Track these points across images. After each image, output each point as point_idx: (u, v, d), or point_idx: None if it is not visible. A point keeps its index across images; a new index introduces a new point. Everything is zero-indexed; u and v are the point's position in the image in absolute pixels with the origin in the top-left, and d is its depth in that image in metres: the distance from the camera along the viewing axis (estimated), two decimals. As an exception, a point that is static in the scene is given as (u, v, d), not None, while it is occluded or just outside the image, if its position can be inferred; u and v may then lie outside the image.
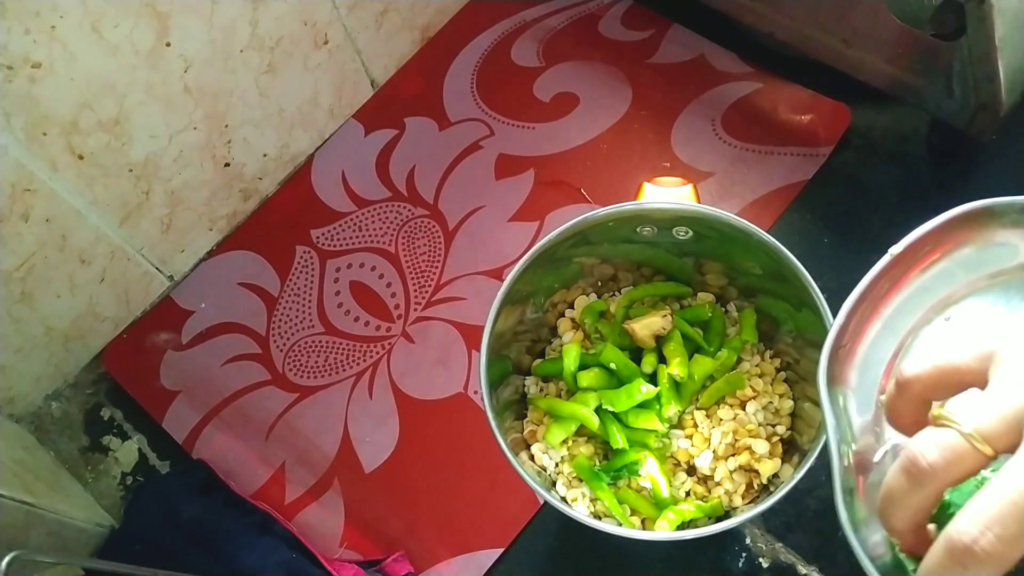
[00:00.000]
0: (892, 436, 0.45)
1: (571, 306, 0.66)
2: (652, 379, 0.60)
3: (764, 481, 0.58)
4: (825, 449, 0.42)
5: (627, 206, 0.58)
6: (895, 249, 0.45)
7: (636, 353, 0.61)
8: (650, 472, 0.57)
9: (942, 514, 0.34)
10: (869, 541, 0.41)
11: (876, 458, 0.44)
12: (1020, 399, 0.33)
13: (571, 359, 0.60)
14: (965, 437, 0.33)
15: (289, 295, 0.82)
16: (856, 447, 0.43)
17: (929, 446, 0.34)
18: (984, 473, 0.34)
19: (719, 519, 0.56)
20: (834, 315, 0.53)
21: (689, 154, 0.82)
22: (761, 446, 0.58)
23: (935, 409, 0.35)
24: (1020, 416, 0.32)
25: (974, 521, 0.31)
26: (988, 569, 0.31)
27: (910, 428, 0.37)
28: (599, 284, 0.67)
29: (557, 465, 0.60)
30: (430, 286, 0.80)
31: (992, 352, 0.35)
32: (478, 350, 0.56)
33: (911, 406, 0.37)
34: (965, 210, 0.45)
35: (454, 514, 0.70)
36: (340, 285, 0.82)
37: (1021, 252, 0.45)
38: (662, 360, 0.60)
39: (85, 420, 0.80)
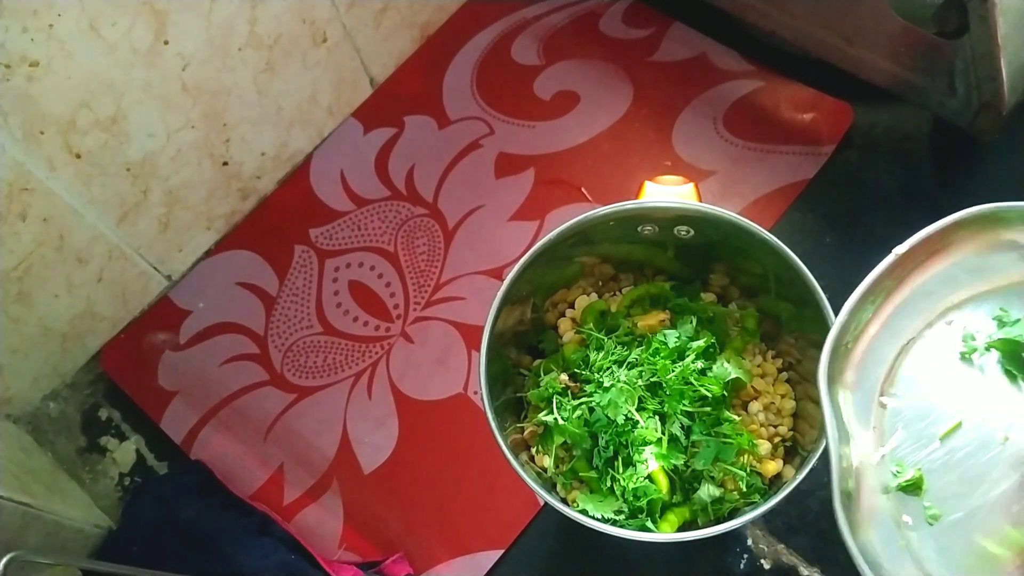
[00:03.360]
0: (892, 439, 0.45)
1: (571, 306, 0.66)
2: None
3: (766, 482, 0.58)
4: (826, 449, 0.42)
5: (628, 205, 0.58)
6: (899, 249, 0.45)
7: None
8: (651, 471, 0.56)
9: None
10: (867, 543, 0.41)
11: (875, 460, 0.44)
12: None
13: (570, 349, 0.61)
14: None
15: (287, 295, 0.81)
16: (855, 448, 0.43)
17: None
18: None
19: (720, 520, 0.56)
20: (836, 315, 0.53)
21: (690, 153, 0.81)
22: (763, 447, 0.58)
23: None
24: None
25: None
26: None
27: None
28: (600, 284, 0.67)
29: (558, 466, 0.60)
30: (429, 286, 0.80)
31: None
32: (478, 350, 0.56)
33: None
34: (971, 213, 0.45)
35: (454, 515, 0.70)
36: (339, 285, 0.81)
37: None
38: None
39: (83, 420, 0.80)
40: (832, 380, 0.45)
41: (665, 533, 0.54)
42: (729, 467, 0.56)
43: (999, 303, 0.46)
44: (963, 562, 0.43)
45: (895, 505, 0.44)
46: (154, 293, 0.83)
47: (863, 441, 0.45)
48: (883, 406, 0.46)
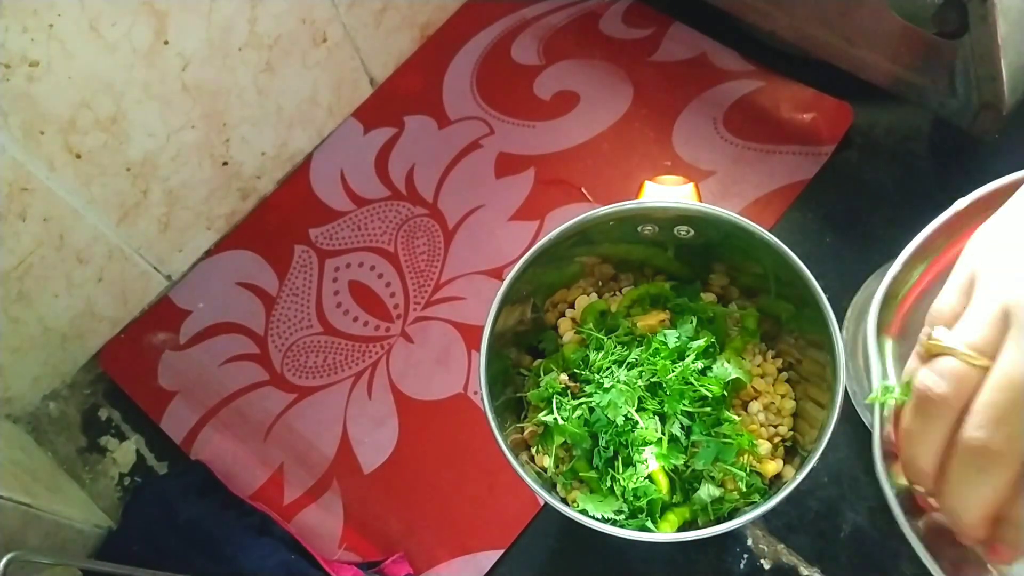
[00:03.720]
0: None
1: (571, 306, 0.66)
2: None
3: (766, 482, 0.58)
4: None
5: (628, 205, 0.58)
6: (961, 203, 0.44)
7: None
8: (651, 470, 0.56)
9: None
10: (903, 488, 0.41)
11: None
12: (997, 300, 0.33)
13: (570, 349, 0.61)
14: (961, 358, 0.33)
15: (287, 295, 0.81)
16: (897, 398, 0.43)
17: (933, 378, 0.34)
18: None
19: (720, 520, 0.56)
20: (837, 314, 0.53)
21: (690, 153, 0.81)
22: (763, 447, 0.58)
23: (923, 338, 0.35)
24: (1003, 314, 0.33)
25: (982, 424, 0.31)
26: (1007, 467, 0.31)
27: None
28: (600, 284, 0.67)
29: (558, 466, 0.60)
30: (429, 286, 0.80)
31: (972, 276, 0.35)
32: (478, 350, 0.56)
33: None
34: None
35: (454, 515, 0.70)
36: (339, 285, 0.81)
37: None
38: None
39: (83, 420, 0.80)
40: (880, 328, 0.44)
41: (665, 533, 0.54)
42: (729, 467, 0.56)
43: None
44: None
45: None
46: (154, 293, 0.83)
47: (903, 391, 0.45)
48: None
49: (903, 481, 0.41)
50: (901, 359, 0.44)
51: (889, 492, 0.40)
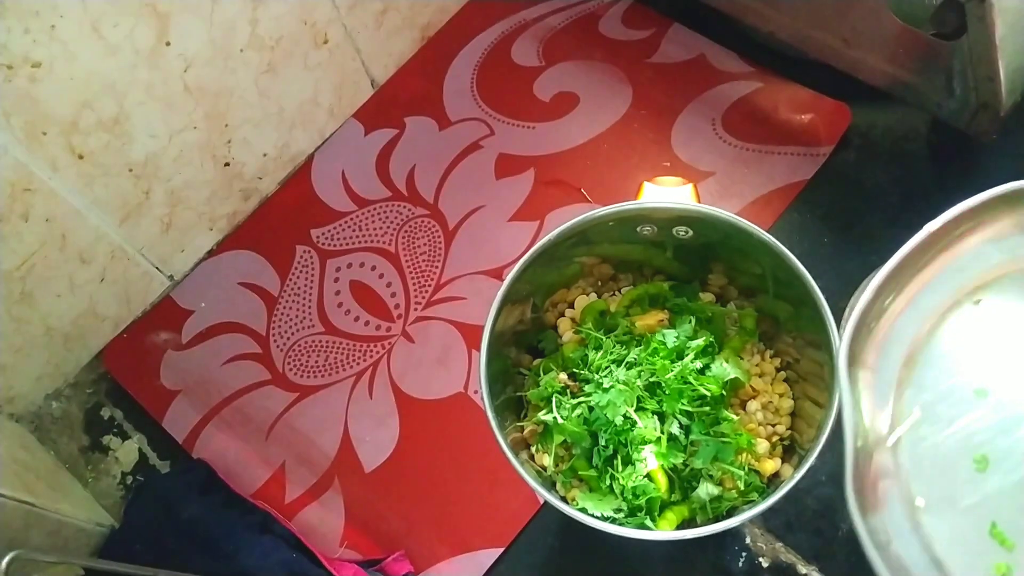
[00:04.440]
0: (910, 420, 0.44)
1: (571, 306, 0.66)
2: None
3: (764, 480, 0.58)
4: (840, 431, 0.41)
5: (627, 206, 0.58)
6: (931, 226, 0.44)
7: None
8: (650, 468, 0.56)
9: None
10: (876, 525, 0.41)
11: (890, 442, 0.43)
12: None
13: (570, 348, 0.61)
14: None
15: (289, 295, 0.82)
16: (870, 429, 0.42)
17: None
18: None
19: (719, 518, 0.56)
20: (835, 314, 0.53)
21: (689, 154, 0.82)
22: (761, 445, 0.58)
23: None
24: None
25: None
26: None
27: None
28: (599, 284, 0.67)
29: (557, 464, 0.60)
30: (430, 286, 0.80)
31: None
32: (478, 350, 0.56)
33: None
34: (1007, 190, 0.43)
35: (454, 513, 0.70)
36: (340, 285, 0.82)
37: None
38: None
39: (85, 420, 0.80)
40: (852, 360, 0.44)
41: (664, 531, 0.55)
42: (727, 466, 0.56)
43: None
44: (976, 547, 0.42)
45: (909, 487, 0.43)
46: (156, 293, 0.83)
47: (879, 422, 0.44)
48: (902, 387, 0.45)
49: (875, 517, 0.41)
50: (875, 389, 0.43)
51: (861, 527, 0.40)
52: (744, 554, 0.65)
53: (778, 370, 0.62)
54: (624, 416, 0.56)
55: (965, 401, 0.44)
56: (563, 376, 0.60)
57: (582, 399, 0.58)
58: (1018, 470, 0.43)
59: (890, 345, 0.45)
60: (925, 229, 0.44)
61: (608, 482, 0.57)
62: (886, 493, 0.42)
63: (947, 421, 0.44)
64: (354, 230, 0.84)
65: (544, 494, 0.53)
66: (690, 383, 0.57)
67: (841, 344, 0.43)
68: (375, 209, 0.85)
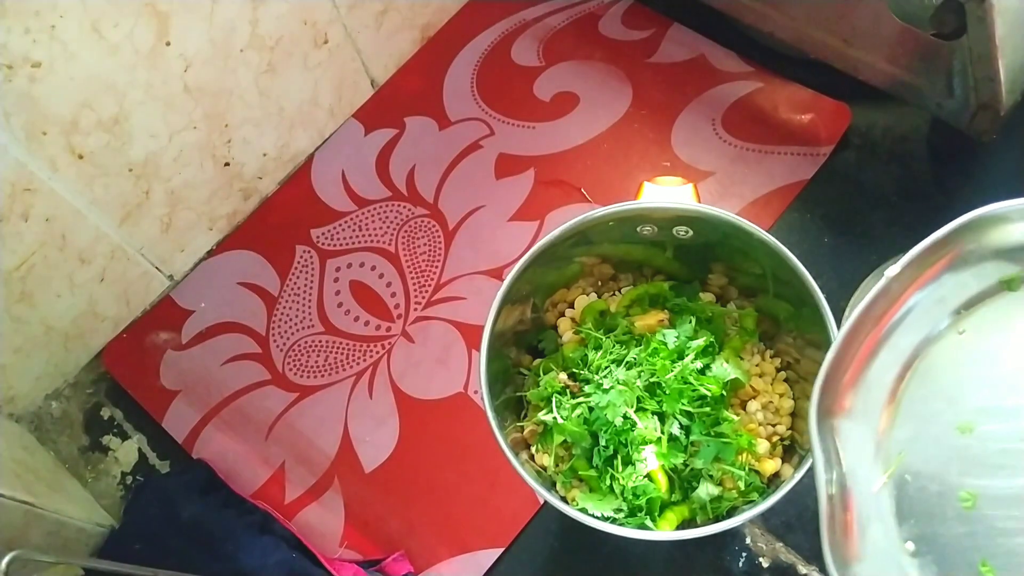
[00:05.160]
0: (894, 465, 0.43)
1: (571, 306, 0.66)
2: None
3: (765, 480, 0.58)
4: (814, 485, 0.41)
5: (627, 205, 0.58)
6: (891, 272, 0.43)
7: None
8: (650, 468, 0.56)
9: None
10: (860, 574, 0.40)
11: (875, 488, 0.43)
12: None
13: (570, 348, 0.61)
14: None
15: (289, 295, 0.82)
16: (848, 477, 0.42)
17: None
18: None
19: (719, 518, 0.56)
20: (835, 314, 0.53)
21: (689, 153, 0.82)
22: (762, 446, 0.58)
23: None
24: None
25: None
26: None
27: None
28: (599, 284, 0.67)
29: (557, 464, 0.60)
30: (430, 286, 0.80)
31: None
32: (478, 350, 0.56)
33: None
34: (971, 218, 0.43)
35: (454, 514, 0.70)
36: (340, 285, 0.82)
37: None
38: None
39: (85, 420, 0.80)
40: (828, 413, 0.43)
41: (664, 531, 0.55)
42: (728, 466, 0.56)
43: (1011, 304, 0.44)
44: None
45: (896, 532, 0.43)
46: (156, 293, 0.83)
47: (861, 469, 0.43)
48: (885, 429, 0.44)
49: (859, 566, 0.40)
50: (854, 435, 0.43)
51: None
52: (744, 554, 0.65)
53: (778, 370, 0.62)
54: (624, 416, 0.56)
55: (949, 438, 0.44)
56: (563, 376, 0.60)
57: (582, 399, 0.58)
58: (1006, 504, 0.42)
59: (868, 389, 0.44)
60: (885, 277, 0.43)
61: (608, 482, 0.57)
62: (871, 540, 0.41)
63: (932, 460, 0.44)
64: (354, 230, 0.84)
65: (544, 494, 0.53)
66: (690, 383, 0.57)
67: (811, 401, 0.42)
68: (375, 209, 0.85)
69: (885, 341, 0.45)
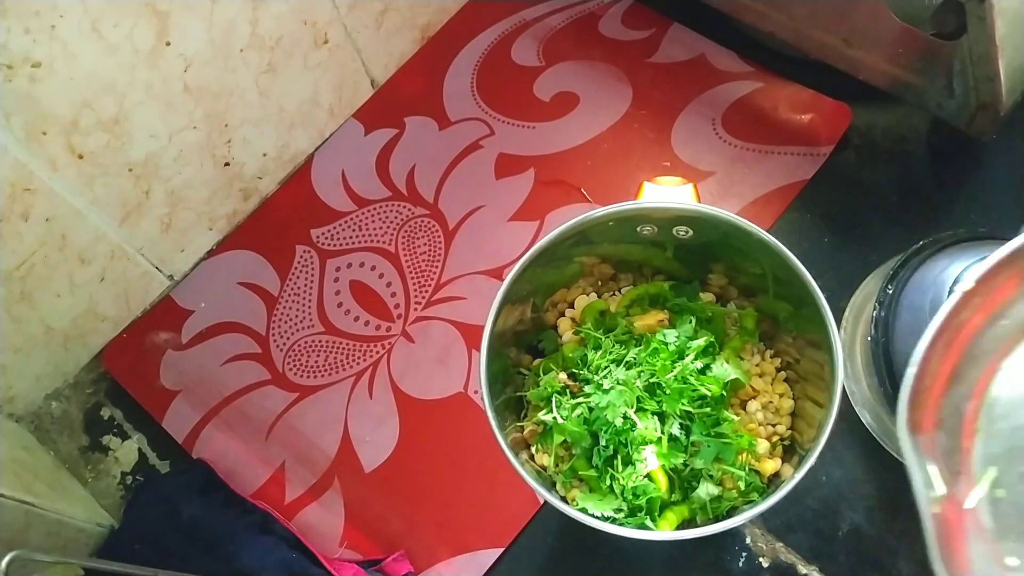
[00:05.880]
0: (985, 481, 0.43)
1: (571, 306, 0.66)
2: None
3: (765, 480, 0.58)
4: (909, 492, 0.39)
5: (627, 205, 0.58)
6: (964, 286, 0.41)
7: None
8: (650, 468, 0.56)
9: None
10: None
11: (969, 504, 0.42)
12: None
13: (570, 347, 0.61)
14: None
15: (289, 295, 0.82)
16: (947, 495, 0.40)
17: None
18: None
19: (719, 518, 0.56)
20: (835, 314, 0.53)
21: (689, 153, 0.82)
22: (762, 446, 0.58)
23: None
24: None
25: None
26: None
27: None
28: (599, 284, 0.67)
29: (557, 464, 0.60)
30: (430, 286, 0.80)
31: None
32: (478, 350, 0.56)
33: None
34: None
35: (454, 514, 0.70)
36: (340, 285, 0.82)
37: None
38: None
39: (85, 419, 0.80)
40: (917, 428, 0.41)
41: (664, 531, 0.55)
42: (728, 467, 0.56)
43: None
44: None
45: (996, 547, 0.41)
46: (156, 293, 0.83)
47: (953, 486, 0.42)
48: (969, 445, 0.43)
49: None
50: (939, 453, 0.41)
51: None
52: (744, 554, 0.65)
53: (778, 370, 0.62)
54: (624, 416, 0.56)
55: None
56: (563, 376, 0.60)
57: (582, 399, 0.58)
58: None
59: (948, 404, 0.43)
60: (959, 290, 0.42)
61: (608, 482, 0.57)
62: (975, 559, 0.41)
63: None
64: (354, 230, 0.84)
65: (544, 494, 0.53)
66: (690, 383, 0.57)
67: (899, 417, 0.41)
68: (375, 209, 0.85)
69: (968, 352, 0.43)
